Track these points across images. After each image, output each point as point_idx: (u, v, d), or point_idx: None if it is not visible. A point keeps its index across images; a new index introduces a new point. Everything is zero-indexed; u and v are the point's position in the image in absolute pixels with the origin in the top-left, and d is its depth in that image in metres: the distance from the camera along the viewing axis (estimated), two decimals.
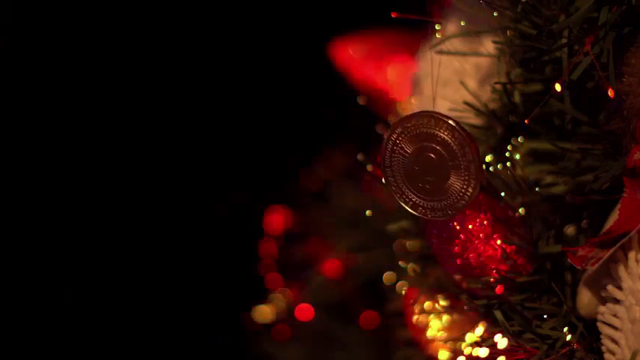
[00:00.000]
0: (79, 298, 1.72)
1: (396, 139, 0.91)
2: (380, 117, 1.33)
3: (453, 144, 0.89)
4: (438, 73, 1.01)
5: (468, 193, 0.89)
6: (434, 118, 0.89)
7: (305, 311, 1.45)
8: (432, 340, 1.07)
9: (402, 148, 0.91)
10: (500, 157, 0.99)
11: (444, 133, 0.89)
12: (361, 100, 1.35)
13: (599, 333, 0.92)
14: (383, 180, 0.93)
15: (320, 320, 1.44)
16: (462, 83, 1.05)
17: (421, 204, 0.92)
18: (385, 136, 0.91)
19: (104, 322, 1.72)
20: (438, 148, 0.90)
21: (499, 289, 0.97)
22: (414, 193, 0.92)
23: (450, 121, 0.89)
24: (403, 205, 0.92)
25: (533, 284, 0.97)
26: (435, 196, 0.91)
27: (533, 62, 0.97)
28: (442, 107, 0.99)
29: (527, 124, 0.97)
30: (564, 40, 0.91)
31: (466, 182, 0.89)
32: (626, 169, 0.90)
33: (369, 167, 1.06)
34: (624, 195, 0.90)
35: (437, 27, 1.03)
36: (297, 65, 1.68)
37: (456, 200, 0.90)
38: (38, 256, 1.72)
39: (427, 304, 1.05)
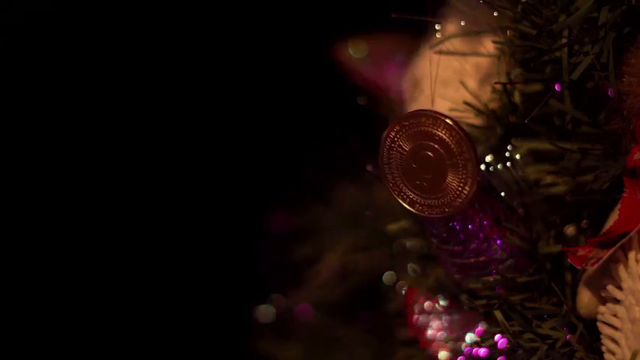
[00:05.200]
0: (79, 298, 1.72)
1: (394, 136, 0.91)
2: (380, 117, 1.33)
3: (450, 143, 0.89)
4: (437, 72, 1.01)
5: (465, 192, 0.90)
6: (432, 117, 0.89)
7: (305, 311, 1.45)
8: (432, 340, 1.07)
9: (399, 145, 0.91)
10: (500, 157, 0.99)
11: (441, 132, 0.89)
12: (361, 100, 1.35)
13: (599, 333, 0.92)
14: (381, 177, 0.93)
15: (320, 320, 1.44)
16: (462, 83, 1.05)
17: (418, 201, 0.92)
18: (383, 134, 0.92)
19: (104, 322, 1.72)
20: (435, 146, 0.90)
21: (499, 289, 0.97)
22: (411, 190, 0.92)
23: (448, 120, 0.89)
24: (400, 201, 0.93)
25: (533, 284, 0.97)
26: (433, 193, 0.91)
27: (533, 62, 0.97)
28: (442, 107, 0.99)
29: (527, 124, 0.97)
30: (564, 40, 0.91)
31: (463, 181, 0.90)
32: (626, 169, 0.90)
33: (369, 167, 1.06)
34: (624, 195, 0.91)
35: (437, 27, 1.03)
36: (297, 65, 1.68)
37: (452, 198, 0.91)
38: (38, 256, 1.72)
39: (427, 304, 1.05)
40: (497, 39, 0.97)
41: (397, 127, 0.91)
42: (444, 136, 0.89)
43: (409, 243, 1.07)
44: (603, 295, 0.91)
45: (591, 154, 0.95)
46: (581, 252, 0.90)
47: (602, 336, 0.92)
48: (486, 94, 1.03)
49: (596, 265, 0.88)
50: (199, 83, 1.74)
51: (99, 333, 1.72)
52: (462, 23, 1.04)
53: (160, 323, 1.71)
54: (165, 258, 1.73)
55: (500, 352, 0.95)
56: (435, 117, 0.89)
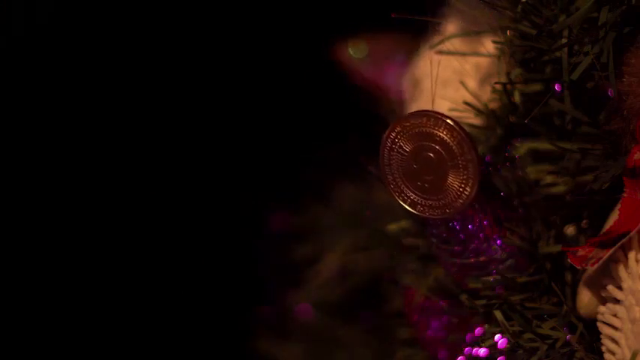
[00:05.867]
0: (78, 298, 1.71)
1: (395, 137, 0.91)
2: (380, 117, 1.33)
3: (451, 143, 0.89)
4: (437, 72, 1.01)
5: (466, 193, 0.90)
6: (433, 117, 0.89)
7: (305, 311, 1.45)
8: (432, 340, 1.07)
9: (400, 146, 0.91)
10: (500, 157, 0.99)
11: (442, 133, 0.89)
12: (362, 100, 1.35)
13: (599, 333, 0.92)
14: (381, 178, 0.93)
15: (320, 320, 1.44)
16: (462, 83, 1.05)
17: (419, 202, 0.92)
18: (384, 135, 0.92)
19: (104, 322, 1.72)
20: (436, 147, 0.90)
21: (499, 289, 0.97)
22: (412, 192, 0.92)
23: (449, 121, 0.89)
24: (401, 203, 0.92)
25: (533, 284, 0.97)
26: (434, 194, 0.91)
27: (533, 62, 0.97)
28: (442, 107, 0.99)
29: (527, 124, 0.97)
30: (564, 40, 0.91)
31: (464, 182, 0.90)
32: (626, 169, 0.90)
33: (370, 167, 1.06)
34: (624, 195, 0.91)
35: (437, 27, 1.03)
36: (297, 65, 1.68)
37: (454, 199, 0.91)
38: (37, 256, 1.72)
39: (427, 304, 1.05)
40: (497, 39, 0.97)
41: (398, 128, 0.91)
42: (445, 137, 0.89)
43: (409, 243, 1.07)
44: (603, 295, 0.91)
45: (591, 154, 0.95)
46: (581, 252, 0.90)
47: (602, 336, 0.92)
48: (486, 94, 1.03)
49: (596, 265, 0.88)
50: (199, 83, 1.74)
51: (99, 333, 1.72)
52: (462, 23, 1.04)
53: (159, 323, 1.71)
54: (165, 258, 1.72)
55: (500, 352, 0.95)
56: (436, 118, 0.89)
